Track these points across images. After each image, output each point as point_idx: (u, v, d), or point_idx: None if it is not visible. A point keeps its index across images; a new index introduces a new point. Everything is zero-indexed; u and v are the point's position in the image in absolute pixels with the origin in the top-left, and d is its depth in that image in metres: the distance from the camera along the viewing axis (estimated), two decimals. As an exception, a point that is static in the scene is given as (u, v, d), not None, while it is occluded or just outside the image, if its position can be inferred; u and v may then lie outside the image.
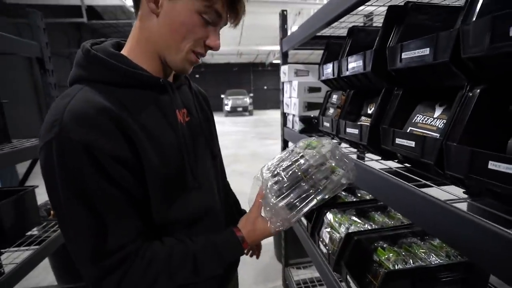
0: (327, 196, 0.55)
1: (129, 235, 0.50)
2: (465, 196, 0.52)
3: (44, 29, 1.32)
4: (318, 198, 0.54)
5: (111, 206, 0.48)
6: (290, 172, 0.55)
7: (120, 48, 0.58)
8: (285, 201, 0.54)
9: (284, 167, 0.56)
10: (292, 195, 0.54)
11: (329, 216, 1.07)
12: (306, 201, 0.54)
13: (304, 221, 1.25)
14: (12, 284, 1.01)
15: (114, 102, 0.50)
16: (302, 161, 0.55)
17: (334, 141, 0.65)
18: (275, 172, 0.56)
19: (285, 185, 0.54)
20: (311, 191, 0.54)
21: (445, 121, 0.58)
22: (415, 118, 0.66)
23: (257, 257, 0.90)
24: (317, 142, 0.59)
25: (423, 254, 0.83)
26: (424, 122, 0.63)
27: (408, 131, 0.66)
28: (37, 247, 1.20)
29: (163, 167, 0.54)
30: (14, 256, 1.16)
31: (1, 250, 1.13)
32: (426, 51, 0.54)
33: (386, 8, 0.71)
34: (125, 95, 0.53)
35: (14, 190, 1.27)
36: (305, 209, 0.55)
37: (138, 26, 0.55)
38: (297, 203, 0.54)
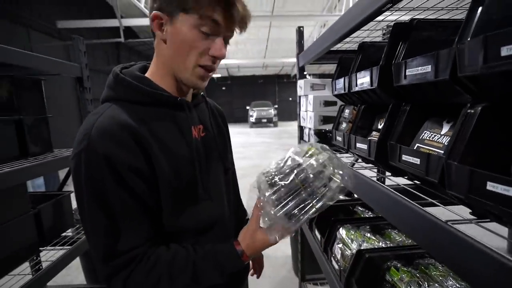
0: (327, 204, 0.55)
1: (139, 238, 0.55)
2: (472, 217, 0.50)
3: (85, 52, 1.49)
4: (317, 206, 0.54)
5: (125, 212, 0.54)
6: (288, 181, 0.55)
7: (146, 71, 0.65)
8: (284, 210, 0.54)
9: (281, 176, 0.57)
10: (290, 204, 0.54)
11: (342, 231, 1.05)
12: (305, 210, 0.54)
13: (318, 235, 1.23)
14: (47, 280, 1.12)
15: (135, 118, 0.56)
16: (299, 170, 0.56)
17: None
18: (273, 181, 0.58)
19: (283, 194, 0.55)
20: (310, 199, 0.54)
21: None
22: (423, 134, 0.65)
23: (258, 277, 0.90)
24: (314, 149, 0.59)
25: (440, 277, 0.79)
26: (431, 139, 0.62)
27: (415, 147, 0.65)
28: (70, 247, 1.32)
29: (175, 179, 0.58)
30: (50, 254, 1.28)
31: (40, 248, 1.26)
32: (428, 68, 0.54)
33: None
34: (146, 112, 0.59)
35: (53, 194, 1.42)
36: (304, 218, 0.55)
37: (156, 53, 0.62)
38: (296, 212, 0.54)
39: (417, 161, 0.59)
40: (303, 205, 0.54)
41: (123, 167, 0.52)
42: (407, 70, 0.61)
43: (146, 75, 0.63)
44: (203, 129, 0.68)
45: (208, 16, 0.53)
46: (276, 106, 15.77)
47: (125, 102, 0.59)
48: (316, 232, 1.26)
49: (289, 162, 0.59)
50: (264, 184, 0.58)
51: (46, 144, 1.32)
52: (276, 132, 11.42)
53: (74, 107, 5.39)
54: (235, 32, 0.59)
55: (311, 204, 0.54)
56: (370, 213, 1.27)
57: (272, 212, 0.55)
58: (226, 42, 0.60)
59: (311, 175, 0.55)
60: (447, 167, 0.48)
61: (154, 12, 0.56)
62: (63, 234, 1.42)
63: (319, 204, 0.55)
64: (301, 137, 1.62)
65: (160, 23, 0.57)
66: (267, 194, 0.56)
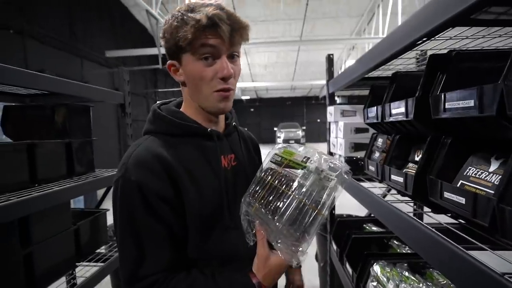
0: (329, 202, 0.52)
1: (161, 264, 0.57)
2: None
3: (128, 81, 1.63)
4: (323, 212, 0.51)
5: (151, 237, 0.57)
6: (289, 200, 0.51)
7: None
8: (285, 216, 0.50)
9: (277, 195, 0.54)
10: (289, 210, 0.51)
11: (376, 268, 0.97)
12: (308, 213, 0.50)
13: (349, 269, 1.15)
14: (80, 296, 1.17)
15: (168, 149, 0.62)
16: (303, 193, 0.51)
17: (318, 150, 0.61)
18: (268, 200, 0.55)
19: (280, 205, 0.52)
20: (313, 205, 0.51)
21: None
22: (467, 170, 0.60)
23: None
24: (304, 159, 0.56)
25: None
26: (477, 176, 0.57)
27: (459, 184, 0.60)
28: (103, 264, 1.37)
29: (201, 207, 0.61)
30: (86, 270, 1.34)
31: (76, 264, 1.33)
32: (471, 103, 0.51)
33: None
34: (178, 143, 0.64)
35: (90, 212, 1.51)
36: (314, 226, 0.51)
37: (182, 91, 0.68)
38: (300, 218, 0.50)
39: (461, 200, 0.54)
40: (305, 211, 0.51)
41: (152, 194, 0.56)
42: (446, 103, 0.58)
43: (181, 109, 0.69)
44: (234, 158, 0.71)
45: (202, 44, 0.57)
46: (304, 127, 15.69)
47: (161, 134, 0.65)
48: (347, 266, 1.19)
49: (283, 181, 0.56)
50: (255, 206, 0.56)
51: (89, 165, 1.43)
52: (303, 154, 11.24)
53: (114, 129, 5.84)
54: (238, 44, 0.61)
55: (315, 211, 0.50)
56: (407, 248, 1.17)
57: (277, 224, 0.51)
58: (232, 57, 0.62)
59: (314, 193, 0.51)
60: (499, 211, 0.44)
61: (168, 62, 0.64)
62: (97, 250, 1.49)
63: (324, 210, 0.51)
64: (330, 163, 1.58)
65: (175, 69, 0.64)
66: (262, 211, 0.54)
